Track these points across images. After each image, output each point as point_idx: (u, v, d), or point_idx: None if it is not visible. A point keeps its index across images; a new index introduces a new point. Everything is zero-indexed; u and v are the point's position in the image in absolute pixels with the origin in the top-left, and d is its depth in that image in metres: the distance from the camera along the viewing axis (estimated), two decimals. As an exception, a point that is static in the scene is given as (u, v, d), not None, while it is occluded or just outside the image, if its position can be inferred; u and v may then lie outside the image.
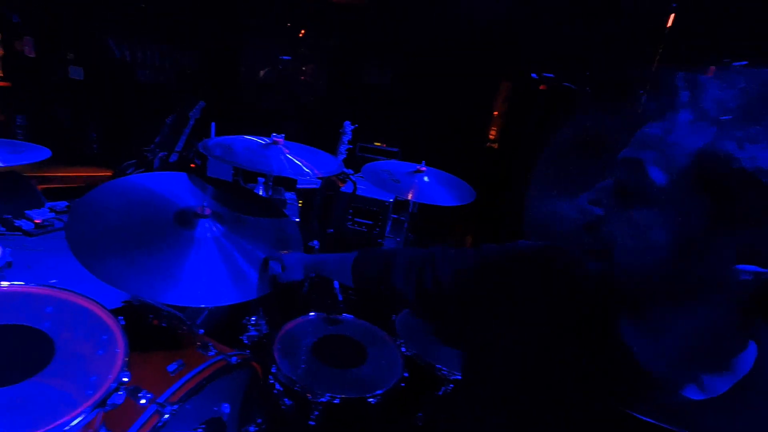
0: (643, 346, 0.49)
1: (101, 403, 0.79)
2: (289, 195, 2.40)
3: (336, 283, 1.81)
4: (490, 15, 3.29)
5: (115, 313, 1.04)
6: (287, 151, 1.46)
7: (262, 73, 4.85)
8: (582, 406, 0.51)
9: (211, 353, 1.21)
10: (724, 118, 0.41)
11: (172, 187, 1.25)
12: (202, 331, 1.46)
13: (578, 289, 0.58)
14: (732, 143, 0.40)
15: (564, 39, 2.42)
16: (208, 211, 1.17)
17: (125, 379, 0.83)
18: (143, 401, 0.94)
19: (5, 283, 1.02)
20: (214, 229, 1.20)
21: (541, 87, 2.53)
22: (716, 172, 0.41)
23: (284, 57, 4.84)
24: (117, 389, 0.81)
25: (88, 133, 4.16)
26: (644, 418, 0.46)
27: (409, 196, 1.78)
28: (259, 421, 1.33)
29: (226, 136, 1.52)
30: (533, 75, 2.52)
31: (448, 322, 0.73)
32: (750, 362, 0.49)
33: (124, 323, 0.96)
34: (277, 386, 1.26)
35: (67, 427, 0.73)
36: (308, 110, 4.74)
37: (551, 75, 2.43)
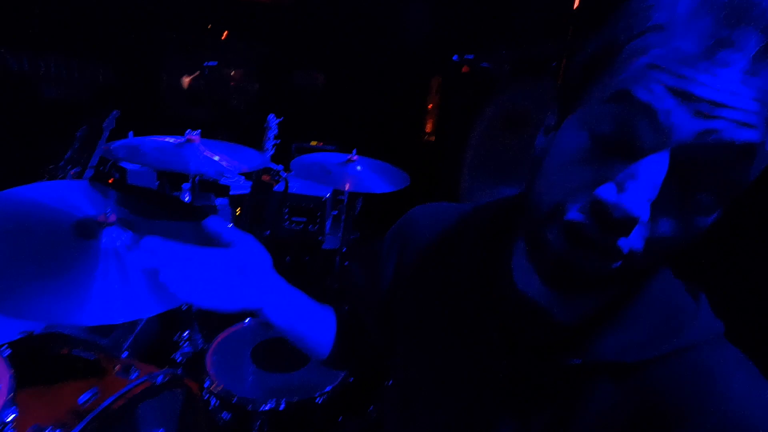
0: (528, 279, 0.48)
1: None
2: (220, 201, 2.25)
3: None
4: (416, 10, 3.31)
5: (9, 346, 0.90)
6: (204, 149, 1.35)
7: (186, 80, 4.58)
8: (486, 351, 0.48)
9: (132, 376, 1.09)
10: None
11: (68, 197, 1.10)
12: (125, 354, 1.32)
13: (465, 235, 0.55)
14: None
15: (481, 19, 2.40)
16: (112, 218, 1.05)
17: (11, 417, 0.70)
18: (47, 440, 0.81)
19: None
20: (124, 237, 1.08)
21: (464, 69, 2.55)
22: None
23: (210, 63, 4.59)
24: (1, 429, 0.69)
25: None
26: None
27: (347, 187, 1.72)
28: (199, 442, 1.21)
29: (135, 138, 1.39)
30: (454, 57, 2.53)
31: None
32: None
33: (8, 354, 0.82)
34: (213, 401, 1.16)
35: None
36: (239, 116, 4.54)
37: (471, 56, 2.44)
